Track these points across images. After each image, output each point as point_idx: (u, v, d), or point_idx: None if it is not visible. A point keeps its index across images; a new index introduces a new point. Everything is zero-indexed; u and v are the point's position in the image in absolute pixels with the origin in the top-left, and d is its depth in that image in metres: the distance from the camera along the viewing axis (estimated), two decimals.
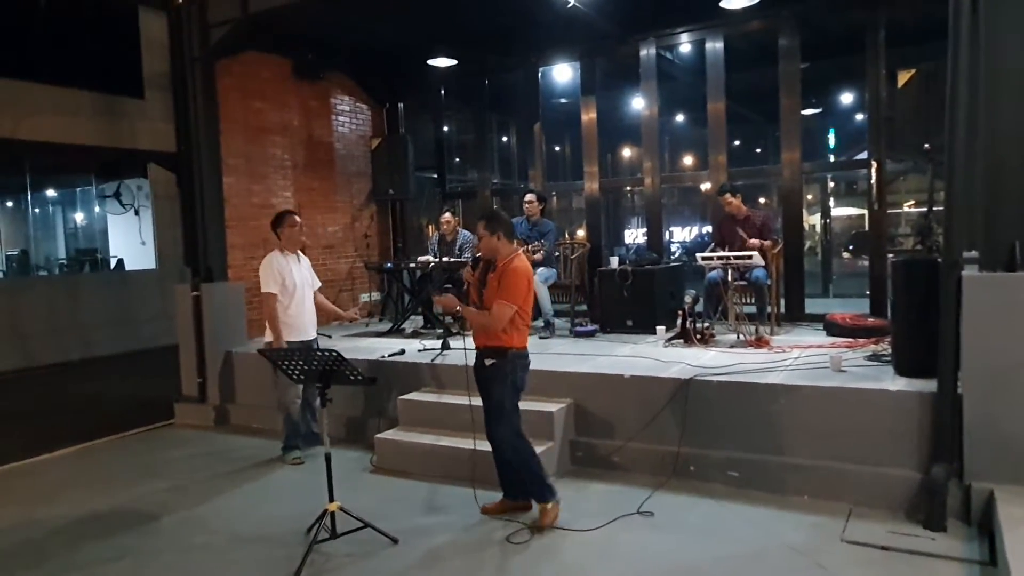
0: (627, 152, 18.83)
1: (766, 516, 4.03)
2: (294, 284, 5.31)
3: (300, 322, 5.36)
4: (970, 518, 3.74)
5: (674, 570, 3.49)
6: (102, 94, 9.48)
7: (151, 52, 9.38)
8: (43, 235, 17.93)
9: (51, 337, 10.63)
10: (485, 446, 4.28)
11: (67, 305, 11.02)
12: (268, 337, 5.30)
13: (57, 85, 8.99)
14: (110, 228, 14.79)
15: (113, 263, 14.39)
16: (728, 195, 6.54)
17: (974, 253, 3.96)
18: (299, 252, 5.47)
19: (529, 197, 7.33)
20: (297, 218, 5.43)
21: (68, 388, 8.98)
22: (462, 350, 4.17)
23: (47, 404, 8.12)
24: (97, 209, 15.74)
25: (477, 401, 4.16)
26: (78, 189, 16.79)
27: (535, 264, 6.42)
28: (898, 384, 4.23)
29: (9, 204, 17.60)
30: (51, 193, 17.55)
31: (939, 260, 4.01)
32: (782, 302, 6.89)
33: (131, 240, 13.59)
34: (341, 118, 9.00)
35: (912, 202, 18.49)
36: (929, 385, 3.99)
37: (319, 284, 5.66)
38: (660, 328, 6.39)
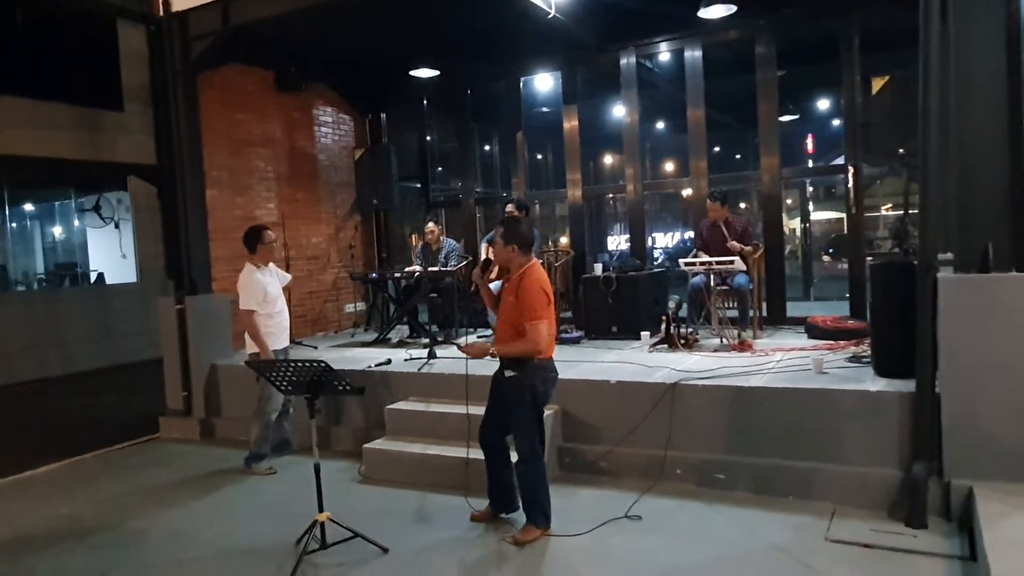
0: (609, 159, 18.95)
1: (752, 517, 4.08)
2: (273, 296, 5.43)
3: (280, 330, 5.50)
4: (950, 515, 3.82)
5: (662, 573, 3.53)
6: (80, 107, 9.40)
7: (130, 65, 9.31)
8: (21, 249, 17.70)
9: (32, 352, 10.48)
10: (475, 454, 4.30)
11: (47, 320, 10.88)
12: (250, 349, 5.37)
13: (34, 98, 8.91)
14: (90, 242, 14.61)
15: (93, 277, 14.22)
16: (718, 202, 6.62)
17: (949, 255, 4.05)
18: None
19: (509, 208, 7.37)
20: (271, 233, 5.53)
21: (50, 404, 8.87)
22: (450, 359, 4.19)
23: (30, 420, 8.01)
24: (76, 223, 15.57)
25: (474, 409, 4.17)
26: (57, 203, 16.60)
27: None
28: (878, 385, 4.31)
29: None
30: (29, 207, 17.33)
31: (915, 262, 4.10)
32: (764, 306, 6.99)
33: (111, 254, 13.44)
34: (324, 129, 9.01)
35: (889, 205, 18.76)
36: (908, 385, 4.07)
37: (288, 279, 5.82)
38: (645, 334, 6.45)
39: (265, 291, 5.33)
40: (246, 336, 5.39)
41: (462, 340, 3.92)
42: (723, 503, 4.29)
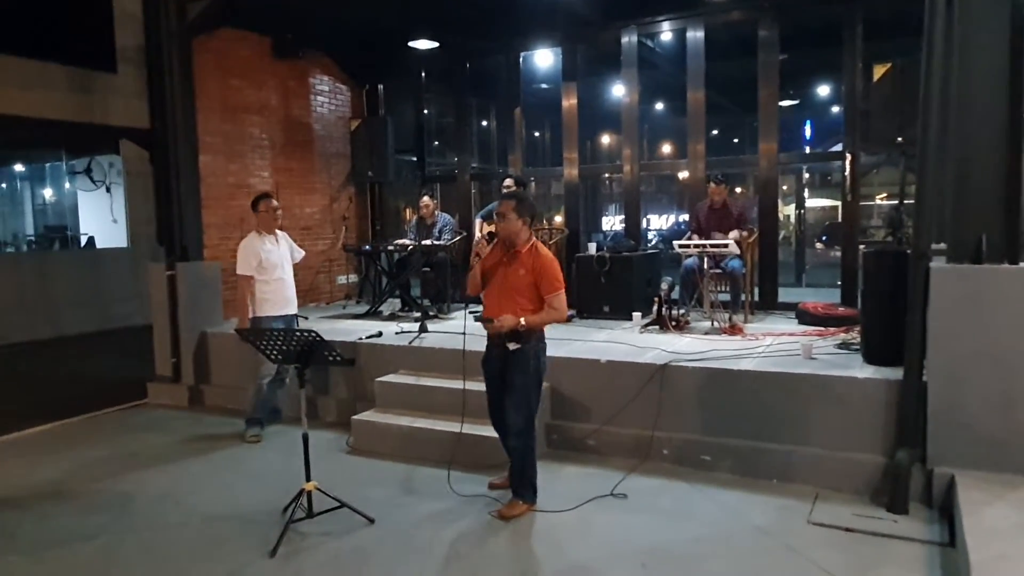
0: (606, 139, 18.88)
1: (736, 499, 4.12)
2: (271, 263, 5.46)
3: (279, 297, 5.51)
4: (932, 501, 3.87)
5: (645, 551, 3.56)
6: (73, 67, 9.25)
7: (125, 26, 9.14)
8: (11, 211, 17.53)
9: (19, 315, 10.40)
10: (463, 428, 4.31)
11: (36, 283, 10.79)
12: (251, 314, 5.43)
13: (25, 57, 8.76)
14: (80, 205, 14.48)
15: (84, 241, 14.11)
16: (723, 185, 6.63)
17: (942, 245, 4.07)
18: (277, 231, 5.59)
19: (508, 182, 7.35)
20: (274, 202, 5.56)
21: (38, 367, 8.84)
22: (442, 333, 4.18)
23: (16, 383, 7.98)
24: (67, 185, 15.42)
25: (472, 384, 4.16)
26: (47, 165, 16.41)
27: None
28: (866, 372, 4.34)
29: None
30: (19, 168, 17.14)
31: (908, 252, 4.11)
32: (756, 291, 7.01)
33: (102, 218, 13.32)
34: (320, 98, 8.91)
35: (884, 194, 18.81)
36: (896, 373, 4.10)
37: (300, 255, 5.83)
38: (636, 314, 6.46)
39: (260, 257, 5.38)
40: (247, 302, 5.44)
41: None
42: (708, 484, 4.33)
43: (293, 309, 5.67)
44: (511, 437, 3.96)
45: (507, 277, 3.93)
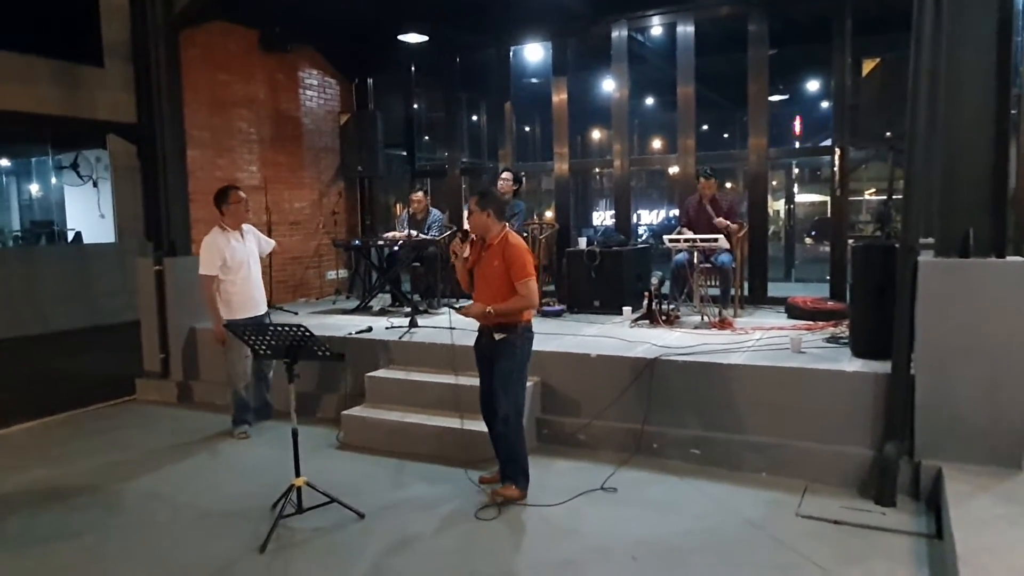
0: (597, 134, 18.88)
1: (725, 492, 4.14)
2: (237, 262, 5.23)
3: (245, 298, 5.30)
4: (919, 494, 3.89)
5: (635, 544, 3.57)
6: (59, 61, 9.16)
7: (111, 19, 9.06)
8: None
9: (5, 311, 10.33)
10: (452, 423, 4.31)
11: (22, 279, 10.71)
12: (235, 315, 5.27)
13: (10, 51, 8.67)
14: (67, 200, 14.37)
15: (71, 236, 14.00)
16: (712, 179, 6.65)
17: (930, 240, 4.09)
18: (243, 225, 5.37)
19: (505, 175, 7.34)
20: (241, 193, 5.33)
21: (24, 363, 8.76)
22: (431, 328, 4.18)
23: (2, 379, 7.91)
24: (54, 180, 15.28)
25: (462, 379, 4.15)
26: (33, 159, 16.26)
27: None
28: (854, 365, 4.36)
29: None
30: (5, 163, 16.98)
31: (896, 246, 4.13)
32: (746, 285, 7.03)
33: (89, 213, 13.21)
34: (309, 92, 8.86)
35: (873, 190, 18.91)
36: (884, 366, 4.12)
37: (271, 246, 5.68)
38: (627, 309, 6.47)
39: (225, 256, 5.15)
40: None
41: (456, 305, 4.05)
42: (697, 478, 4.34)
43: (262, 309, 5.42)
44: (498, 423, 3.99)
45: (485, 269, 4.03)
